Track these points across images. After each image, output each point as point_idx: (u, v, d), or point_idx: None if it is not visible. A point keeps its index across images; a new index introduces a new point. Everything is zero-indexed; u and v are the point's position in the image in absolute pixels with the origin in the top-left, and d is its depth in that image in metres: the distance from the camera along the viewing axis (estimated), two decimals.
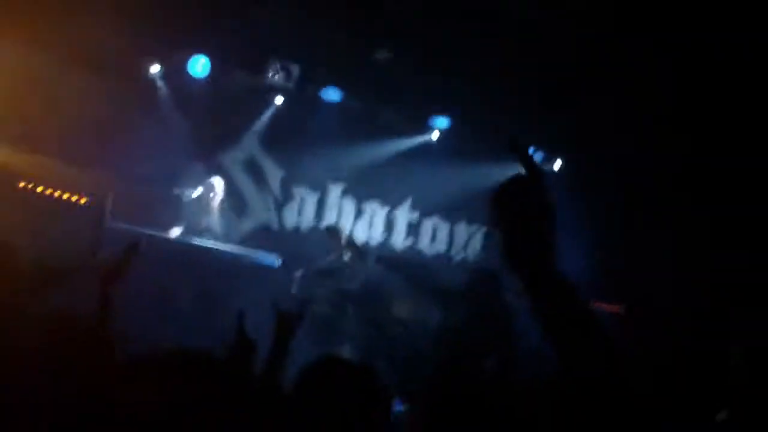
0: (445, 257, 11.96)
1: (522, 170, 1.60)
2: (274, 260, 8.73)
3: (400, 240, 11.77)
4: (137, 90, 9.91)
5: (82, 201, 9.02)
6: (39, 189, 9.09)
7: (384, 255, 8.49)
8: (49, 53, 9.06)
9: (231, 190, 10.08)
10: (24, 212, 8.33)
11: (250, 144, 11.04)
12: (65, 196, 9.02)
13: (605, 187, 10.88)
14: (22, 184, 9.11)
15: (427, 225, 11.91)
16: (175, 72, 10.09)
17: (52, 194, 9.20)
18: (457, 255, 12.03)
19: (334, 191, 11.48)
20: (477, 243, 12.07)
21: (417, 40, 9.42)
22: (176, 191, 8.91)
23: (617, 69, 8.93)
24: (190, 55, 9.90)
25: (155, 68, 9.98)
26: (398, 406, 7.81)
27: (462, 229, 12.03)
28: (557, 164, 11.54)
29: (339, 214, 11.46)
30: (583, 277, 9.92)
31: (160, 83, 10.15)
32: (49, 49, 9.04)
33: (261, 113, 10.81)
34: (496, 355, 6.94)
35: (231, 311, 3.55)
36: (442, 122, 10.99)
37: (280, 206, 11.18)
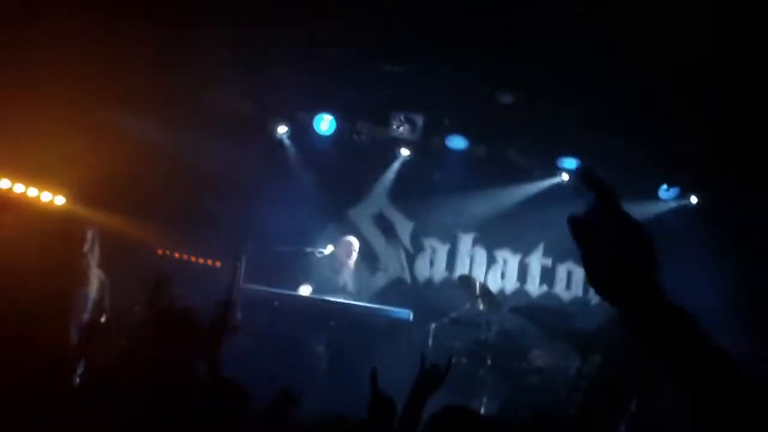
0: (582, 302, 11.63)
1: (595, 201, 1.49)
2: (407, 314, 8.63)
3: (534, 287, 11.53)
4: (266, 152, 10.11)
5: (218, 264, 9.20)
6: (176, 255, 9.35)
7: (518, 304, 8.29)
8: (179, 124, 9.34)
9: (362, 245, 10.08)
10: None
11: (378, 198, 11.09)
12: (200, 261, 9.24)
13: (742, 222, 10.39)
14: (160, 251, 9.39)
15: (562, 270, 11.63)
16: (302, 131, 10.25)
17: (188, 259, 9.44)
18: (594, 298, 11.67)
19: (465, 240, 11.36)
20: None
21: (540, 81, 9.25)
22: (308, 250, 8.94)
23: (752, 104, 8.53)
24: (315, 113, 10.00)
25: (282, 129, 10.15)
26: None
27: None
28: (693, 200, 11.08)
29: (471, 264, 11.33)
30: (723, 313, 9.54)
31: (287, 143, 10.33)
32: (179, 120, 9.33)
33: (387, 166, 10.85)
34: (638, 400, 6.64)
35: (366, 366, 3.46)
36: (570, 163, 10.72)
37: (411, 259, 11.14)
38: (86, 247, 7.20)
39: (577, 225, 1.51)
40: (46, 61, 8.19)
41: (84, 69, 8.43)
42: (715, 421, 1.37)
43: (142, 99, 9.17)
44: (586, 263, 1.48)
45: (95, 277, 7.23)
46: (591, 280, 1.48)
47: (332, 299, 8.65)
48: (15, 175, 8.81)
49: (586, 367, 7.06)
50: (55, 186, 9.13)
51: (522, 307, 8.01)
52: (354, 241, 9.54)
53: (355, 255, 9.48)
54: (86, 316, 7.20)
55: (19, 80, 8.20)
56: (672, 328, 1.43)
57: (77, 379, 5.90)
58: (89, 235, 7.24)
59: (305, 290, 8.89)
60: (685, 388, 1.39)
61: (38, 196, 9.01)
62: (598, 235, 1.47)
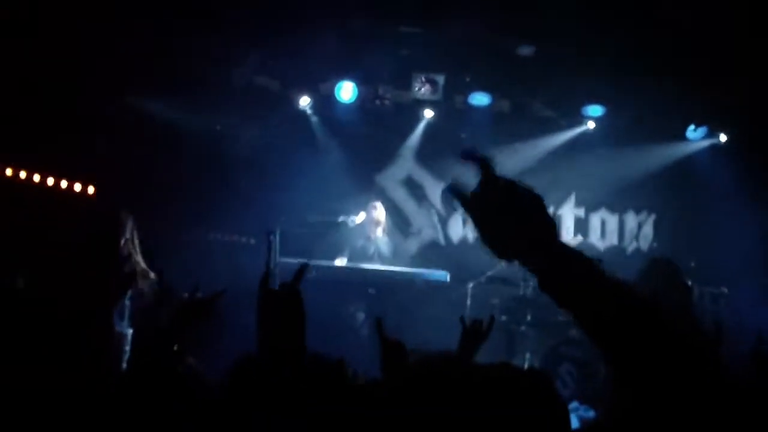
0: (617, 249, 11.62)
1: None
2: (444, 276, 8.64)
3: (569, 238, 11.49)
4: (291, 125, 10.13)
5: (252, 241, 9.27)
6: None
7: None
8: (203, 105, 9.40)
9: (393, 210, 10.10)
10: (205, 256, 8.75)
11: (406, 161, 11.08)
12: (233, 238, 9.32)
13: None
14: None
15: (595, 219, 11.61)
16: (325, 101, 10.25)
17: (223, 237, 9.51)
18: (630, 246, 11.65)
19: None
20: (648, 230, 11.67)
21: (559, 32, 9.16)
22: (340, 219, 8.97)
23: None
24: (336, 82, 9.99)
25: (305, 100, 10.15)
26: (583, 412, 7.60)
27: (631, 219, 11.66)
28: (722, 138, 10.97)
29: None
30: (754, 253, 9.48)
31: (311, 114, 10.33)
32: (202, 101, 9.39)
33: (412, 129, 10.84)
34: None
35: (407, 330, 3.48)
36: (596, 111, 10.64)
37: (444, 220, 11.13)
38: (127, 234, 7.25)
39: (463, 197, 1.59)
40: (62, 51, 8.25)
41: (103, 56, 8.50)
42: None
43: (163, 82, 9.21)
44: (480, 230, 1.57)
45: (138, 264, 7.29)
46: (487, 244, 1.57)
47: (367, 266, 8.69)
48: (47, 169, 8.90)
49: None
50: (86, 177, 9.23)
51: None
52: (379, 206, 9.51)
53: (383, 220, 9.46)
54: (127, 303, 7.30)
55: (36, 71, 8.25)
56: (575, 277, 1.50)
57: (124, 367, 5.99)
58: (127, 220, 7.28)
59: (340, 262, 8.92)
60: (595, 337, 1.46)
61: (71, 188, 9.11)
62: (487, 204, 1.56)
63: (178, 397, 2.83)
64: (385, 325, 3.18)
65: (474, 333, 3.39)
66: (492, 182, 1.57)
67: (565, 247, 1.51)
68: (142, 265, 7.24)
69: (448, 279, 8.73)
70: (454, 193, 1.63)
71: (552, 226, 1.53)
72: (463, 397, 1.69)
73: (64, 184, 9.10)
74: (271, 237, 6.89)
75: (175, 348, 2.95)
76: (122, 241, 7.23)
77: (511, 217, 1.53)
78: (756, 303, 8.74)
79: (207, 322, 3.14)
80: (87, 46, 8.37)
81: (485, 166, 1.59)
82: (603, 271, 1.47)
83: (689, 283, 7.23)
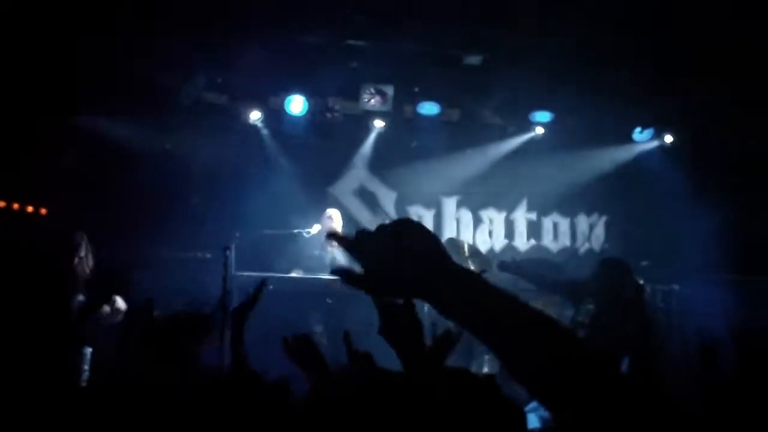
0: (570, 251, 11.80)
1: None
2: None
3: (522, 241, 11.68)
4: (242, 140, 10.17)
5: (208, 256, 9.26)
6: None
7: (506, 260, 8.35)
8: (152, 123, 9.40)
9: (348, 220, 10.15)
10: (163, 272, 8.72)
11: (358, 172, 11.16)
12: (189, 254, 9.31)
13: (717, 160, 10.53)
14: None
15: (547, 222, 11.79)
16: (275, 115, 10.29)
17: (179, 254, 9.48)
18: (582, 247, 11.84)
19: (449, 204, 11.46)
20: (600, 232, 11.88)
21: (505, 41, 9.30)
22: (296, 231, 9.00)
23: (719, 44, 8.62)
24: (285, 96, 10.03)
25: (255, 115, 10.17)
26: (543, 411, 7.70)
27: (582, 221, 11.86)
28: (668, 138, 11.21)
29: (458, 226, 11.45)
30: (704, 249, 9.68)
31: (262, 129, 10.37)
32: (152, 119, 9.39)
33: (363, 140, 10.93)
34: (633, 351, 6.72)
35: (368, 340, 3.52)
36: (543, 116, 10.82)
37: None
38: (81, 252, 7.24)
39: (348, 242, 1.61)
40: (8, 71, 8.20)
41: (51, 74, 8.47)
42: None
43: (112, 101, 9.18)
44: (371, 276, 1.58)
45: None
46: (380, 289, 1.64)
47: (326, 277, 8.72)
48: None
49: (581, 315, 7.14)
50: (35, 197, 9.16)
51: (510, 263, 8.05)
52: (333, 213, 9.54)
53: (338, 226, 9.48)
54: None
55: None
56: (471, 299, 1.49)
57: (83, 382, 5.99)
58: (81, 240, 7.26)
59: (297, 273, 8.94)
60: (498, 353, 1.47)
61: (22, 210, 9.03)
62: (382, 250, 1.56)
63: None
64: (336, 333, 3.23)
65: (446, 341, 3.43)
66: (365, 234, 1.60)
67: (456, 271, 1.52)
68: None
69: None
70: (337, 241, 1.66)
71: (439, 253, 1.54)
72: (420, 406, 1.75)
73: (15, 205, 9.02)
74: (227, 252, 6.92)
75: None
76: (76, 261, 7.22)
77: (393, 253, 1.55)
78: (705, 298, 8.94)
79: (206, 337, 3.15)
80: (34, 64, 8.33)
81: (346, 242, 1.61)
82: (496, 288, 1.48)
83: (641, 281, 7.38)
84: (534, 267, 8.51)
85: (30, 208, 9.06)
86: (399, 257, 1.53)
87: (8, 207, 8.85)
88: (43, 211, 9.17)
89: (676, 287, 9.82)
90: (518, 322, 1.45)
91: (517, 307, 1.46)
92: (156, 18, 8.28)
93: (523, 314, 1.46)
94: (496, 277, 9.31)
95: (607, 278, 6.89)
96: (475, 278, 1.51)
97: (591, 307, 7.04)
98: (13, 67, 8.20)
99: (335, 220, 9.46)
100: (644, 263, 9.05)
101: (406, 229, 1.57)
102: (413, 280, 1.53)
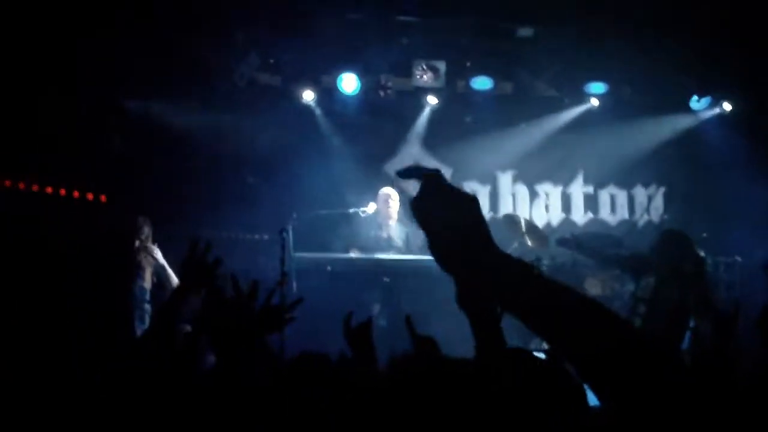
0: (629, 224, 11.65)
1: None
2: None
3: (580, 215, 11.56)
4: (296, 120, 10.19)
5: (265, 237, 9.34)
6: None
7: (564, 236, 8.29)
8: (208, 105, 9.47)
9: (403, 198, 10.14)
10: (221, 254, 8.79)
11: (412, 149, 11.12)
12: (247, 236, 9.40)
13: None
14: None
15: (604, 195, 11.65)
16: (328, 94, 10.30)
17: (236, 235, 9.58)
18: (641, 219, 11.67)
19: (505, 179, 11.39)
20: (659, 203, 11.69)
21: (557, 11, 9.18)
22: (351, 210, 9.00)
23: None
24: (338, 75, 10.02)
25: (309, 95, 10.18)
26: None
27: (640, 193, 11.69)
28: (727, 107, 10.96)
29: (514, 202, 11.38)
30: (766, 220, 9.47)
31: (315, 108, 10.38)
32: (207, 101, 9.46)
33: (417, 116, 10.87)
34: (696, 317, 6.62)
35: (422, 319, 3.51)
36: (598, 88, 10.65)
37: None
38: (142, 237, 7.33)
39: (417, 211, 1.60)
40: (60, 58, 8.30)
41: (102, 60, 8.55)
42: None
43: (164, 84, 9.27)
44: (430, 244, 1.56)
45: (150, 266, 7.38)
46: (437, 259, 1.55)
47: (383, 256, 8.73)
48: (55, 179, 8.95)
49: (641, 290, 7.06)
50: (94, 184, 9.29)
51: (568, 238, 7.98)
52: (390, 192, 9.47)
53: (394, 205, 9.41)
54: (147, 307, 7.39)
55: (34, 81, 8.30)
56: (511, 283, 1.48)
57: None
58: (143, 224, 7.35)
59: (355, 253, 8.94)
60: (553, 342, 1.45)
61: (82, 197, 9.16)
62: (433, 216, 1.57)
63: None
64: (402, 314, 3.21)
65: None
66: (431, 187, 1.59)
67: (499, 254, 1.50)
68: (161, 264, 7.35)
69: None
70: (409, 173, 1.67)
71: (484, 233, 1.52)
72: (478, 385, 1.74)
73: (75, 193, 9.15)
74: (284, 235, 6.94)
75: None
76: (137, 244, 7.31)
77: (444, 220, 1.54)
78: None
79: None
80: (84, 50, 8.41)
81: (427, 175, 1.61)
82: (540, 274, 1.46)
83: (702, 253, 7.26)
84: (592, 241, 8.41)
85: (90, 196, 9.19)
86: (448, 232, 1.53)
87: (68, 195, 8.98)
88: (103, 198, 9.29)
89: (738, 259, 9.66)
90: (568, 311, 1.43)
91: (567, 295, 1.45)
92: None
93: (573, 303, 1.44)
94: (555, 252, 9.28)
95: (666, 251, 6.80)
96: (522, 266, 1.48)
97: (651, 280, 6.96)
98: (65, 52, 8.28)
99: (392, 199, 9.43)
100: (705, 235, 8.90)
101: (457, 203, 1.57)
102: (461, 258, 1.52)
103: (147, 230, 7.50)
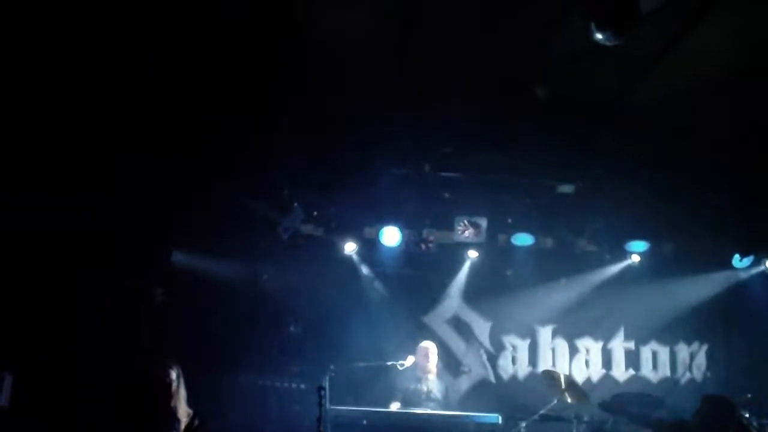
0: (671, 381, 11.43)
1: None
2: (496, 418, 8.51)
3: (620, 372, 11.39)
4: (337, 271, 10.32)
5: (302, 386, 9.33)
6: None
7: (605, 398, 8.19)
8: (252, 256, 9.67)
9: (442, 350, 10.11)
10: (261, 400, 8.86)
11: (452, 301, 11.17)
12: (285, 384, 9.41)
13: None
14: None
15: (646, 351, 11.50)
16: (370, 246, 10.43)
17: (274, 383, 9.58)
18: (683, 377, 11.46)
19: (545, 333, 11.33)
20: (701, 361, 11.50)
21: (598, 169, 9.34)
22: (389, 363, 8.98)
23: None
24: (380, 227, 10.17)
25: (350, 246, 10.33)
26: None
27: (683, 350, 11.52)
28: None
29: (553, 356, 11.28)
30: None
31: (357, 260, 10.51)
32: (251, 252, 9.67)
33: (457, 269, 10.97)
34: None
35: None
36: (639, 246, 10.67)
37: (493, 359, 11.10)
38: (173, 387, 7.33)
39: None
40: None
41: (152, 217, 8.83)
42: None
43: (211, 236, 9.49)
44: None
45: (185, 416, 7.35)
46: None
47: (419, 411, 8.64)
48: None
49: None
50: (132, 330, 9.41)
51: (609, 401, 7.90)
52: (430, 345, 9.52)
53: (433, 359, 9.43)
54: None
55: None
56: None
57: None
58: (173, 374, 7.36)
59: (395, 407, 8.89)
60: None
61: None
62: None
63: None
64: None
65: None
66: None
67: None
68: (186, 412, 7.34)
69: (500, 421, 8.62)
70: None
71: None
72: None
73: None
74: (322, 392, 6.91)
75: None
76: (171, 389, 7.31)
77: None
78: None
79: None
80: (134, 202, 8.69)
81: None
82: None
83: (746, 416, 7.13)
84: (634, 403, 8.28)
85: None
86: None
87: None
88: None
89: None
90: None
91: None
92: (254, 155, 8.64)
93: None
94: (595, 410, 9.13)
95: (709, 417, 6.68)
96: None
97: None
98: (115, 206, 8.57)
99: (431, 353, 9.43)
100: (749, 395, 8.72)
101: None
102: None
103: (177, 379, 7.50)
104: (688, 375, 11.49)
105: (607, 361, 11.40)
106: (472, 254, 10.64)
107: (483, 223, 10.11)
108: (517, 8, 6.37)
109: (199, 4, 6.30)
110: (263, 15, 6.47)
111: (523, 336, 11.26)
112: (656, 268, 10.83)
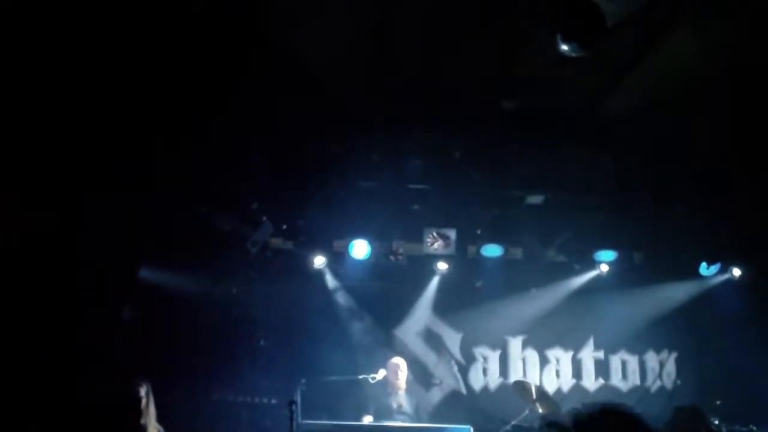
0: (641, 390, 11.49)
1: None
2: (467, 430, 8.50)
3: (590, 381, 11.44)
4: (306, 285, 10.28)
5: (273, 401, 9.28)
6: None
7: (576, 409, 8.18)
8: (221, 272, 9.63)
9: (413, 362, 10.11)
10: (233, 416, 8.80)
11: (422, 314, 11.15)
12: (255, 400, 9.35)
13: None
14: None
15: (615, 361, 11.56)
16: (339, 260, 10.41)
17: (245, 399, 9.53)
18: (654, 385, 11.53)
19: (515, 344, 11.35)
20: (671, 368, 11.57)
21: (566, 180, 9.41)
22: (360, 377, 8.96)
23: None
24: (349, 241, 10.14)
25: (320, 260, 10.30)
26: None
27: (652, 358, 11.60)
28: (737, 272, 11.02)
29: (524, 367, 11.30)
30: None
31: (326, 273, 10.48)
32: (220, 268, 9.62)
33: (427, 281, 10.96)
34: None
35: None
36: (608, 255, 10.73)
37: (464, 370, 11.10)
38: (142, 404, 7.27)
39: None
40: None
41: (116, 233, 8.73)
42: None
43: (178, 251, 9.41)
44: None
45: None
46: None
47: (391, 424, 8.62)
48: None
49: None
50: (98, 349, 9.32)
51: (577, 413, 7.87)
52: (399, 362, 9.52)
53: (403, 376, 9.43)
54: None
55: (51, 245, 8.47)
56: None
57: None
58: (142, 391, 7.31)
59: (367, 420, 8.87)
60: None
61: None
62: None
63: None
64: None
65: None
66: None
67: None
68: (156, 429, 7.29)
69: None
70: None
71: None
72: None
73: None
74: (293, 407, 6.89)
75: None
76: (141, 406, 7.25)
77: None
78: None
79: None
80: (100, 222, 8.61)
81: None
82: None
83: (716, 423, 7.18)
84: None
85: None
86: None
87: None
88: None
89: (754, 428, 9.48)
90: None
91: None
92: (223, 171, 8.60)
93: None
94: (564, 418, 9.14)
95: (680, 427, 6.73)
96: None
97: None
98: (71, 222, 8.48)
99: (401, 370, 9.42)
100: (719, 402, 8.78)
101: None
102: None
103: (146, 396, 7.44)
104: (658, 383, 11.55)
105: (577, 371, 11.44)
106: (442, 266, 10.64)
107: (452, 234, 10.12)
108: (486, 22, 6.41)
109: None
110: (232, 31, 6.46)
111: (493, 347, 11.28)
112: (625, 277, 10.89)
